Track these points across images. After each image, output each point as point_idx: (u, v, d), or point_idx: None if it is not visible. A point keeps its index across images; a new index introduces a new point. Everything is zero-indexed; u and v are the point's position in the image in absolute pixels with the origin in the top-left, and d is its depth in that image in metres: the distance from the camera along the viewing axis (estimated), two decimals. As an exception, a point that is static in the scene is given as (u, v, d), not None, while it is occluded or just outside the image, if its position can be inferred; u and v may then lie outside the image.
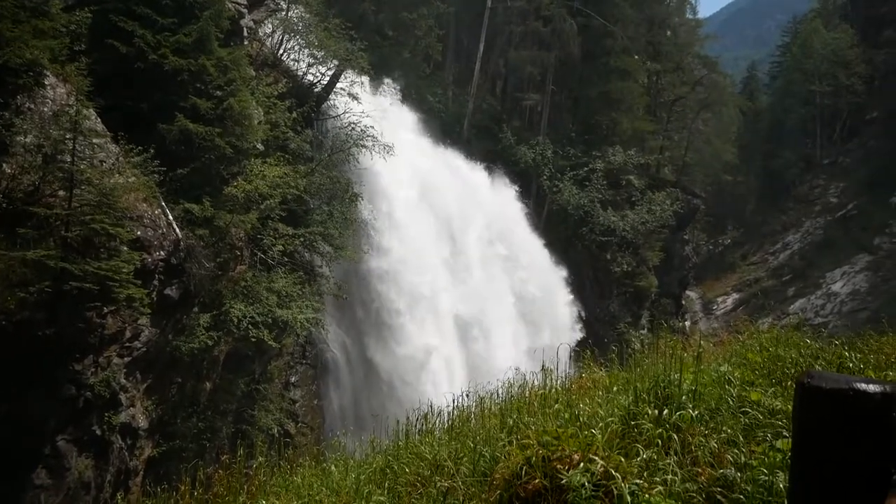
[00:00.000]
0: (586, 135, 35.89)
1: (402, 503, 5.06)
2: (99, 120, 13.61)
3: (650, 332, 30.91)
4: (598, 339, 23.45)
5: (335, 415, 21.11)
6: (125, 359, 13.65)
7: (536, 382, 7.16)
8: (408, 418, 6.95)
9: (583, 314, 29.20)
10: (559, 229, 32.05)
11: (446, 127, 29.95)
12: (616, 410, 4.81)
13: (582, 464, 3.75)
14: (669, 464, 3.81)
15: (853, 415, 1.82)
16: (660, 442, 4.09)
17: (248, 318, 15.88)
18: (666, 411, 4.36)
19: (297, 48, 22.18)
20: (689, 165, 46.44)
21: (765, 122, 60.52)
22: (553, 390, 6.57)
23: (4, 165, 11.99)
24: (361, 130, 20.70)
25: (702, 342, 7.22)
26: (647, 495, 3.57)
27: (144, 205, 14.06)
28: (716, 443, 4.06)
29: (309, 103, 20.63)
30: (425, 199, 23.56)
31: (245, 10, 19.30)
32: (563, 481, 3.69)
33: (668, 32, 46.91)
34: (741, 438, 4.11)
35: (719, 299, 49.91)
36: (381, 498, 5.21)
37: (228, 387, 16.80)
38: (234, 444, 14.39)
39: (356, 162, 20.84)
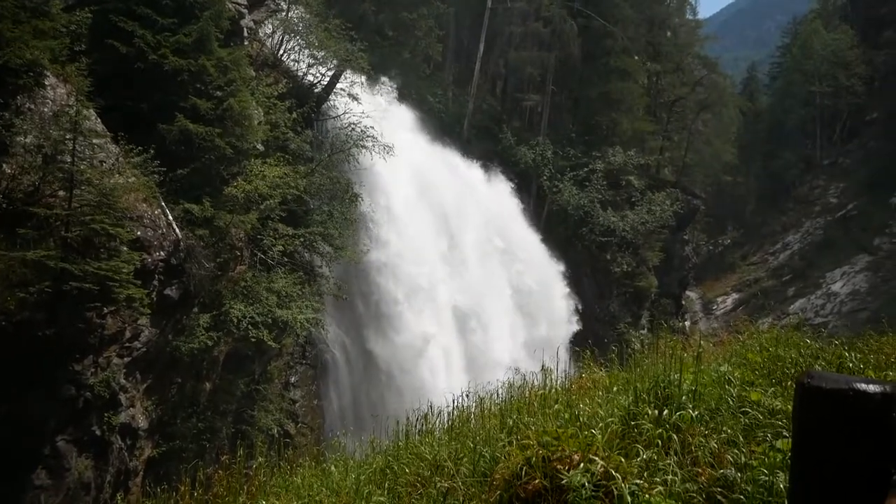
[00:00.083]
0: (586, 135, 35.90)
1: (401, 503, 5.06)
2: (99, 120, 13.62)
3: (650, 333, 30.92)
4: (597, 340, 23.43)
5: (335, 415, 21.13)
6: (125, 359, 13.65)
7: (536, 382, 7.15)
8: (407, 418, 6.95)
9: (579, 307, 29.40)
10: (559, 229, 32.07)
11: (446, 127, 29.95)
12: (616, 411, 4.82)
13: (582, 464, 3.75)
14: (669, 464, 3.81)
15: (853, 415, 1.82)
16: (660, 442, 4.09)
17: (248, 318, 15.88)
18: (666, 411, 4.36)
19: (297, 49, 22.19)
20: (688, 166, 46.45)
21: (765, 122, 60.54)
22: (553, 390, 6.57)
23: (4, 166, 11.99)
24: (361, 131, 20.72)
25: (702, 342, 7.22)
26: (647, 495, 3.57)
27: (144, 205, 14.06)
28: (716, 443, 4.06)
29: (309, 104, 20.63)
30: (423, 194, 23.82)
31: (245, 11, 19.31)
32: (564, 481, 3.69)
33: (669, 33, 46.94)
34: (741, 438, 4.11)
35: (719, 299, 49.92)
36: (381, 498, 5.21)
37: (228, 387, 16.80)
38: (233, 444, 14.39)
39: (356, 163, 20.90)
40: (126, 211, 13.01)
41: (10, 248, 11.33)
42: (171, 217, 14.63)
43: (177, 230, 14.66)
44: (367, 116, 20.92)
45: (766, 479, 3.54)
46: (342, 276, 20.49)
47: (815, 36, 55.10)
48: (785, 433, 4.00)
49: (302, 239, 18.51)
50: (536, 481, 3.82)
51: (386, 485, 5.45)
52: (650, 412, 4.43)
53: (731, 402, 4.66)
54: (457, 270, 24.13)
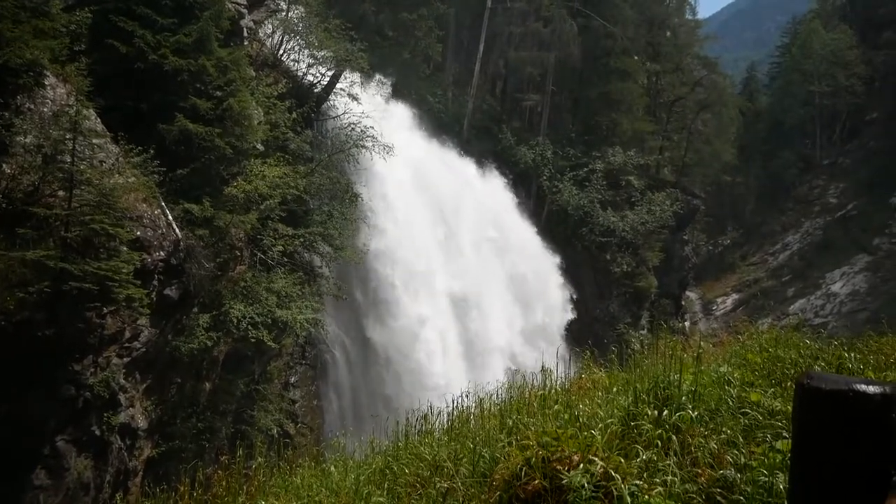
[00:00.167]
0: (586, 135, 35.92)
1: (401, 503, 5.06)
2: (99, 120, 13.61)
3: (650, 333, 30.94)
4: (597, 340, 23.50)
5: (335, 415, 21.16)
6: (124, 359, 13.65)
7: (536, 383, 7.15)
8: (407, 419, 6.95)
9: (574, 297, 29.63)
10: (559, 229, 32.09)
11: (446, 127, 29.98)
12: (616, 411, 4.82)
13: (582, 465, 3.75)
14: (669, 465, 3.81)
15: (853, 416, 1.82)
16: (659, 443, 4.09)
17: (248, 318, 15.88)
18: (666, 412, 4.36)
19: (297, 49, 22.20)
20: (688, 166, 46.44)
21: (764, 122, 60.52)
22: (553, 391, 6.57)
23: (4, 165, 11.99)
24: (361, 131, 20.73)
25: (701, 343, 7.23)
26: (646, 496, 3.57)
27: (144, 205, 14.06)
28: (715, 444, 4.06)
29: (309, 104, 20.64)
30: (419, 186, 24.19)
31: (245, 11, 19.31)
32: (563, 482, 3.69)
33: (668, 33, 46.95)
34: (741, 439, 4.11)
35: (719, 300, 49.92)
36: (381, 499, 5.21)
37: (228, 387, 16.79)
38: (233, 444, 14.37)
39: (356, 163, 20.95)
40: (126, 211, 13.01)
41: (9, 248, 11.33)
42: (170, 217, 14.63)
43: (177, 230, 14.65)
44: (367, 116, 20.94)
45: (766, 479, 3.54)
46: (342, 266, 20.69)
47: (814, 36, 55.11)
48: (785, 434, 4.00)
49: (302, 239, 18.51)
50: (536, 482, 3.82)
51: (385, 485, 5.45)
52: (650, 413, 4.43)
53: (730, 403, 4.66)
54: (453, 258, 24.53)
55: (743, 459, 3.86)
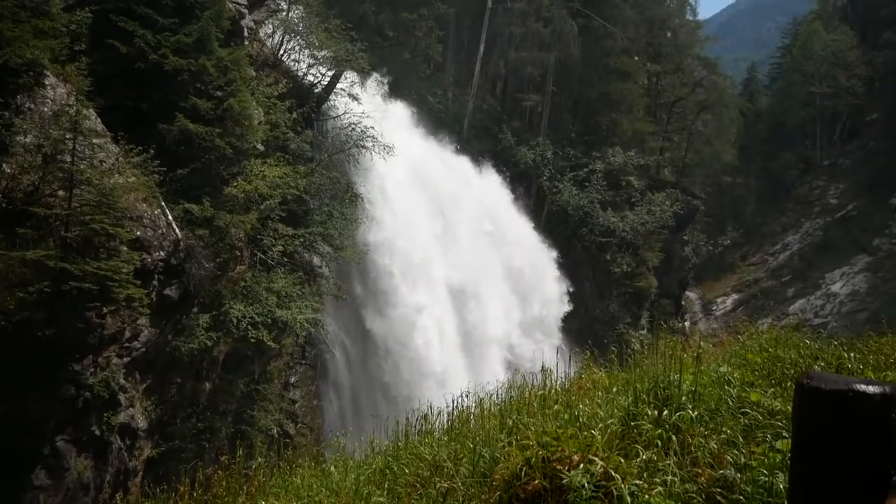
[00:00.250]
0: (586, 136, 35.93)
1: (401, 503, 5.06)
2: (99, 120, 13.61)
3: (650, 333, 30.96)
4: (597, 340, 23.56)
5: (334, 415, 21.18)
6: (124, 359, 13.65)
7: (536, 383, 7.16)
8: (407, 419, 6.95)
9: (571, 289, 29.73)
10: (559, 230, 32.10)
11: (446, 127, 29.99)
12: (616, 411, 4.82)
13: (582, 465, 3.75)
14: (669, 465, 3.81)
15: (852, 416, 1.82)
16: (659, 443, 4.09)
17: (248, 318, 15.88)
18: (665, 412, 4.36)
19: (297, 49, 22.20)
20: (688, 166, 46.44)
21: (765, 123, 60.51)
22: (553, 391, 6.57)
23: (4, 165, 11.99)
24: (361, 131, 20.74)
25: (701, 343, 7.23)
26: (646, 496, 3.57)
27: (144, 205, 14.06)
28: (715, 443, 4.06)
29: (309, 104, 20.64)
30: (416, 181, 24.41)
31: (245, 11, 19.31)
32: (564, 482, 3.69)
33: (668, 34, 46.97)
34: (741, 439, 4.11)
35: (719, 300, 49.92)
36: (381, 499, 5.21)
37: (228, 387, 16.79)
38: (233, 444, 14.37)
39: (356, 163, 20.97)
40: (126, 211, 13.01)
41: (9, 248, 11.33)
42: (170, 217, 14.63)
43: (177, 230, 14.65)
44: (368, 116, 20.95)
45: (766, 479, 3.54)
46: (342, 260, 20.73)
47: (814, 37, 55.11)
48: (784, 434, 4.00)
49: (302, 239, 18.51)
50: (536, 482, 3.83)
51: (385, 485, 5.45)
52: (650, 413, 4.43)
53: (730, 403, 4.66)
54: (450, 250, 24.80)
55: (743, 459, 3.86)
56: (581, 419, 4.89)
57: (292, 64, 22.23)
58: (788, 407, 4.23)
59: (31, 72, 12.33)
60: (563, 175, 32.77)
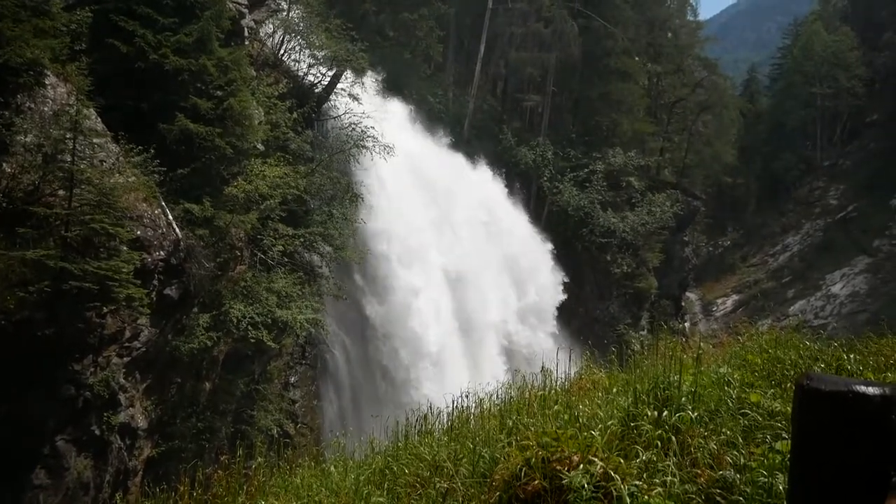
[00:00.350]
0: (587, 136, 35.92)
1: (401, 504, 5.06)
2: (99, 119, 13.61)
3: (650, 334, 30.99)
4: (597, 340, 23.57)
5: (334, 415, 21.19)
6: (124, 359, 13.65)
7: (536, 383, 7.15)
8: (407, 419, 6.95)
9: (565, 279, 29.98)
10: (559, 230, 32.08)
11: (447, 127, 30.00)
12: (615, 412, 4.82)
13: (581, 465, 3.75)
14: (669, 465, 3.81)
15: (852, 417, 1.82)
16: (659, 443, 4.09)
17: (248, 318, 15.88)
18: (665, 413, 4.36)
19: (297, 49, 22.21)
20: (689, 167, 46.47)
21: (765, 124, 60.57)
22: (552, 391, 6.57)
23: (4, 165, 11.99)
24: (362, 131, 20.75)
25: (701, 344, 7.23)
26: (646, 497, 3.57)
27: (144, 205, 14.06)
28: (715, 444, 4.06)
29: (309, 104, 20.65)
30: (414, 177, 24.64)
31: (246, 11, 19.31)
32: (564, 482, 3.69)
33: (669, 34, 47.01)
34: (740, 440, 4.11)
35: (719, 301, 49.93)
36: (381, 499, 5.21)
37: (228, 387, 16.79)
38: (233, 444, 14.37)
39: (357, 163, 20.98)
40: (126, 210, 13.01)
41: (9, 248, 11.33)
42: (171, 217, 14.63)
43: (177, 230, 14.65)
44: (368, 117, 20.95)
45: (766, 480, 3.54)
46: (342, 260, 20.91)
47: (815, 37, 55.14)
48: (784, 435, 4.00)
49: (302, 239, 18.52)
50: (536, 482, 3.83)
51: (385, 485, 5.45)
52: (650, 413, 4.43)
53: (730, 404, 4.66)
54: (447, 238, 25.12)
55: (742, 460, 3.86)
56: (581, 420, 4.89)
57: (292, 64, 22.23)
58: (788, 408, 4.23)
59: (32, 71, 12.33)
60: (564, 175, 32.77)
